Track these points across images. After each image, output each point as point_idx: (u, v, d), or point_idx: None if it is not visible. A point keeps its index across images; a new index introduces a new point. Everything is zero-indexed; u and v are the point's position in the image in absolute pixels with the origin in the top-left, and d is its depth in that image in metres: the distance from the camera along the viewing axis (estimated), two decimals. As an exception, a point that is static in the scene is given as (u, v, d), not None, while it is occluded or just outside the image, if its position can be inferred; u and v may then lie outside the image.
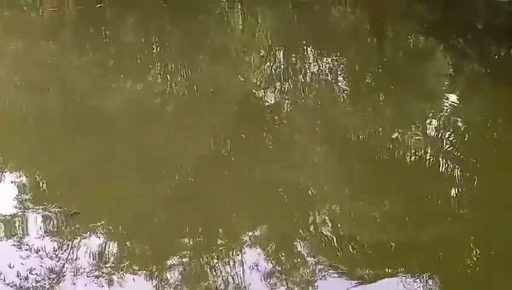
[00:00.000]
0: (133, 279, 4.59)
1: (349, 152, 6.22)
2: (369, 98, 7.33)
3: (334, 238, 4.92)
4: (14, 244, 4.95)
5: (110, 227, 5.13)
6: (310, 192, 5.51)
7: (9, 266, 4.65)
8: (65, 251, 4.86)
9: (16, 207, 5.42)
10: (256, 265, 4.68)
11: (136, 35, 9.85)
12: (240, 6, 11.03)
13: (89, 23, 10.24)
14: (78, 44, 9.29)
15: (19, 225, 5.21)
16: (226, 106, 7.19)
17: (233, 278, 4.57)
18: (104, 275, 4.62)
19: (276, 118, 6.94)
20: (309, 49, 8.93)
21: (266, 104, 7.35)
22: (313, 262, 4.68)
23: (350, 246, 4.84)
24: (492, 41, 8.47)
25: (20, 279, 4.55)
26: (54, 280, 4.57)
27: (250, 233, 5.02)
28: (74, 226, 5.08)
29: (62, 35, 9.78)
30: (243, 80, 7.98)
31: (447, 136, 6.33)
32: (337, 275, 4.58)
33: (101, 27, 10.11)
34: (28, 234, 5.08)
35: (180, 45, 9.23)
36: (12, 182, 5.82)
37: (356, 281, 4.47)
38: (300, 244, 4.86)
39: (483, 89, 7.44)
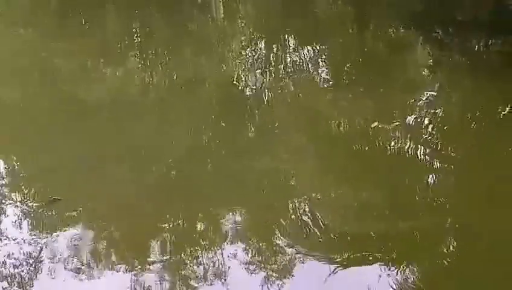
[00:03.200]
0: (112, 267, 4.59)
1: (329, 141, 6.25)
2: (350, 87, 7.36)
3: (314, 227, 4.95)
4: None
5: (90, 215, 5.11)
6: (290, 181, 5.53)
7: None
8: (43, 238, 4.84)
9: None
10: (236, 253, 4.70)
11: (118, 24, 9.77)
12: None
13: (69, 10, 10.14)
14: (59, 31, 9.20)
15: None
16: (207, 95, 7.17)
17: (213, 264, 4.58)
18: (83, 263, 4.61)
19: (257, 106, 6.95)
20: (290, 38, 8.94)
21: (247, 93, 7.35)
22: (293, 250, 4.71)
23: (330, 234, 4.88)
24: (472, 33, 8.53)
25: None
26: (32, 266, 4.55)
27: (231, 221, 5.04)
28: (54, 213, 5.06)
29: (43, 22, 9.67)
30: (224, 68, 7.96)
31: (426, 126, 6.38)
32: (315, 262, 4.62)
33: (81, 14, 10.01)
34: (3, 221, 5.06)
35: (162, 33, 9.18)
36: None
37: (334, 268, 4.51)
38: (280, 233, 4.88)
39: (462, 80, 7.49)
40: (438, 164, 5.79)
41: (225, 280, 4.47)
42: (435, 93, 7.28)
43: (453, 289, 4.43)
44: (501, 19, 8.59)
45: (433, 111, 6.69)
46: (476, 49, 8.34)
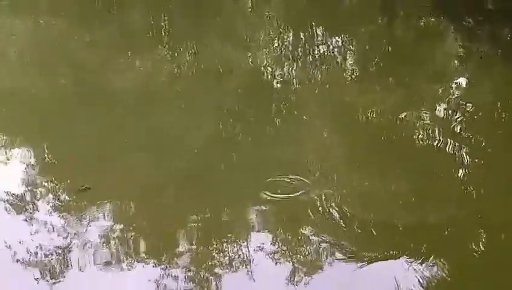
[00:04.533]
0: (141, 257, 4.65)
1: (357, 132, 6.21)
2: (378, 78, 7.30)
3: (341, 219, 4.93)
4: (26, 220, 5.00)
5: (119, 203, 5.17)
6: (317, 172, 5.52)
7: (20, 242, 4.71)
8: (72, 227, 4.91)
9: (24, 184, 5.47)
10: (263, 243, 4.72)
11: (145, 14, 9.82)
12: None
13: (96, 0, 10.21)
14: (86, 21, 9.27)
15: (29, 201, 5.26)
16: (234, 86, 7.18)
17: (239, 255, 4.60)
18: (111, 252, 4.67)
19: (284, 97, 6.93)
20: (318, 28, 8.88)
21: (274, 83, 7.34)
22: (319, 242, 4.71)
23: (356, 226, 4.86)
24: (503, 22, 8.39)
25: (30, 254, 4.62)
26: (61, 255, 4.62)
27: (258, 212, 5.05)
28: (84, 202, 5.13)
29: (69, 12, 9.76)
30: (251, 60, 7.95)
31: (455, 117, 6.30)
32: (342, 256, 4.60)
33: (109, 5, 10.07)
34: (37, 210, 5.14)
35: (189, 24, 9.20)
36: (21, 160, 5.86)
37: (361, 263, 4.49)
38: (306, 224, 4.88)
39: (493, 71, 7.39)
40: (467, 156, 5.72)
41: (250, 270, 4.48)
42: (464, 84, 7.19)
43: (481, 283, 4.38)
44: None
45: (462, 102, 6.61)
46: (507, 38, 8.20)
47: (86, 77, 7.43)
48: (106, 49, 8.21)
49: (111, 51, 8.15)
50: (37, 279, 4.43)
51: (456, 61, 7.86)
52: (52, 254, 4.62)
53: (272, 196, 5.14)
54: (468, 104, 6.55)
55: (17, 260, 4.57)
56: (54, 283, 4.40)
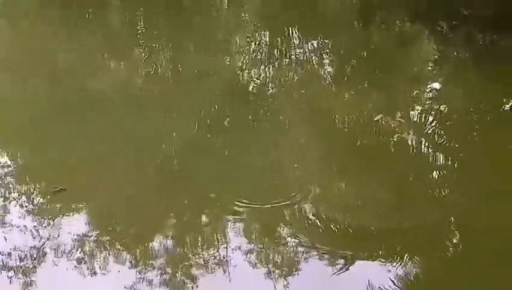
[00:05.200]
0: (116, 260, 4.62)
1: (333, 135, 6.25)
2: (354, 81, 7.35)
3: (317, 222, 4.95)
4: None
5: (95, 207, 5.13)
6: (293, 175, 5.54)
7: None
8: (46, 228, 4.86)
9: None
10: (239, 246, 4.72)
11: (121, 15, 9.77)
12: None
13: (73, 3, 10.14)
14: (62, 24, 9.20)
15: (1, 204, 5.20)
16: (211, 88, 7.17)
17: (216, 257, 4.60)
18: (85, 256, 4.63)
19: (260, 100, 6.95)
20: (294, 32, 8.92)
21: (251, 86, 7.35)
22: (296, 244, 4.73)
23: (333, 229, 4.88)
24: (477, 27, 8.51)
25: (3, 256, 4.57)
26: (35, 258, 4.58)
27: (234, 215, 5.05)
28: (58, 205, 5.08)
29: (45, 15, 9.67)
30: (228, 62, 7.96)
31: (429, 120, 6.37)
32: (318, 257, 4.63)
33: (85, 7, 10.01)
34: (9, 213, 5.08)
35: (165, 26, 9.18)
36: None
37: (339, 266, 4.52)
38: (283, 227, 4.90)
39: (467, 75, 7.48)
40: (442, 158, 5.78)
41: (228, 272, 4.48)
42: (439, 88, 7.27)
43: (454, 284, 4.43)
44: (506, 12, 8.57)
45: (437, 105, 6.69)
46: (480, 43, 8.32)
47: (61, 80, 7.37)
48: (82, 52, 8.15)
49: (87, 54, 8.09)
50: (10, 277, 4.39)
51: (430, 65, 7.95)
52: (25, 256, 4.58)
53: (249, 203, 5.14)
54: (442, 108, 6.63)
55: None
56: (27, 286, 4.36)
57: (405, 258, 4.56)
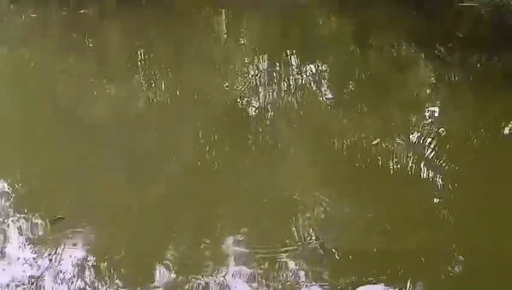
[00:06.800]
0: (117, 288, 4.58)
1: (332, 159, 6.25)
2: (352, 105, 7.38)
3: (317, 245, 4.93)
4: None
5: (94, 234, 5.10)
6: (293, 199, 5.53)
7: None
8: (46, 257, 4.82)
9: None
10: (240, 271, 4.69)
11: (121, 41, 9.83)
12: (224, 13, 11.06)
13: (72, 29, 10.20)
14: (62, 50, 9.24)
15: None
16: (210, 113, 7.19)
17: (217, 282, 4.57)
18: (85, 282, 4.60)
19: (259, 124, 6.96)
20: (293, 56, 8.98)
21: (250, 110, 7.37)
22: (296, 269, 4.70)
23: (333, 253, 4.86)
24: (473, 49, 8.56)
25: (1, 287, 4.52)
26: (34, 286, 4.54)
27: (235, 240, 5.03)
28: (58, 233, 5.05)
29: (45, 41, 9.72)
30: (226, 87, 7.99)
31: (428, 143, 6.38)
32: (319, 282, 4.60)
33: (84, 33, 10.07)
34: (9, 242, 5.05)
35: (165, 52, 9.22)
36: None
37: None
38: (283, 251, 4.87)
39: (465, 97, 7.51)
40: (441, 182, 5.78)
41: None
42: (437, 111, 7.29)
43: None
44: (502, 35, 8.63)
45: (435, 129, 6.70)
46: (477, 65, 8.36)
47: (60, 106, 7.39)
48: (81, 77, 8.18)
49: (87, 79, 8.12)
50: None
51: (428, 89, 7.98)
52: (24, 284, 4.54)
53: (248, 223, 5.12)
54: (440, 131, 6.64)
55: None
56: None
57: (408, 282, 4.54)
